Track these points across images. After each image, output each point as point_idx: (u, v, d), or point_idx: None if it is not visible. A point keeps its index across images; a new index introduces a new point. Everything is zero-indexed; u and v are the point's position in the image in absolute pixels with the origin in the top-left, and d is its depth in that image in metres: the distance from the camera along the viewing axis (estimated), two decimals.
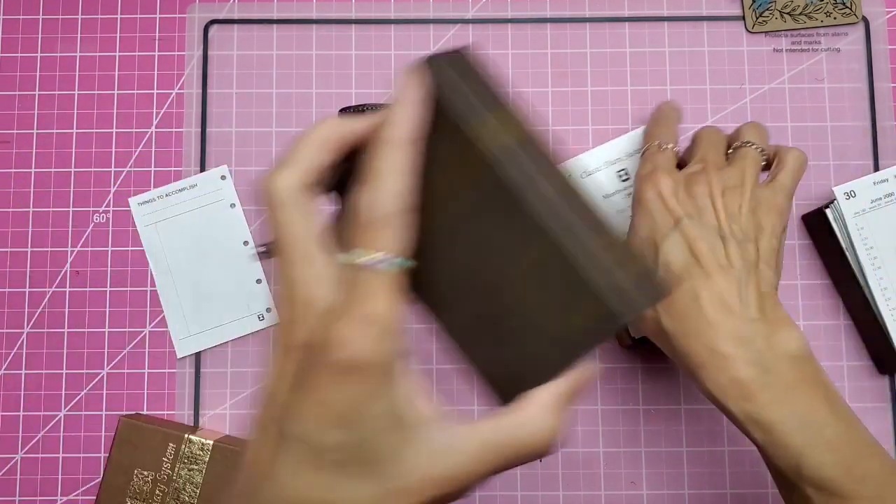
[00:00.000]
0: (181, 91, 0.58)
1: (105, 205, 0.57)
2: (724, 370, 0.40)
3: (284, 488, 0.29)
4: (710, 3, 0.59)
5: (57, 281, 0.56)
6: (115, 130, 0.57)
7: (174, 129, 0.57)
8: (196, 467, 0.51)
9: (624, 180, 0.53)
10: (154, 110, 0.58)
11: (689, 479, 0.55)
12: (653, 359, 0.55)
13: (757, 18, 0.58)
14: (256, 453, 0.30)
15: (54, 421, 0.55)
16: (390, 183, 0.29)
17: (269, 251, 0.32)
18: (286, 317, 0.29)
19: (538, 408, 0.31)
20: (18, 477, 0.54)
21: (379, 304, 0.28)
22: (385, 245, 0.29)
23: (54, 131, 0.57)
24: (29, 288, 0.56)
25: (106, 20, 0.58)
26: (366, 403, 0.28)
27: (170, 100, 0.58)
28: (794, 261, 0.56)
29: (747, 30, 0.58)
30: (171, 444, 0.51)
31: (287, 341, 0.29)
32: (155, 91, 0.58)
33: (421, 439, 0.29)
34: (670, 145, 0.48)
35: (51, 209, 0.56)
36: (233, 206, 0.56)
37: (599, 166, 0.53)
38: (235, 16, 0.58)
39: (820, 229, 0.54)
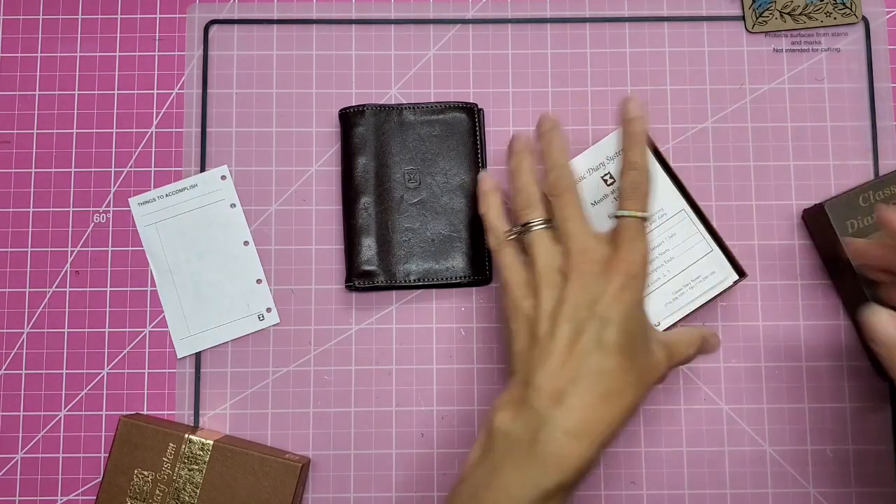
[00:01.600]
0: (181, 91, 0.58)
1: (105, 205, 0.57)
2: None
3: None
4: (710, 3, 0.59)
5: (57, 281, 0.56)
6: (115, 130, 0.57)
7: (174, 129, 0.57)
8: (196, 467, 0.51)
9: (609, 184, 0.53)
10: (154, 110, 0.58)
11: (689, 479, 0.55)
12: None
13: (757, 18, 0.58)
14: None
15: (54, 421, 0.55)
16: None
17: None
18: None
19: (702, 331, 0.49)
20: (18, 477, 0.54)
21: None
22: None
23: (54, 131, 0.57)
24: (29, 288, 0.56)
25: (106, 20, 0.58)
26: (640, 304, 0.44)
27: (170, 100, 0.58)
28: (795, 261, 0.56)
29: (747, 30, 0.58)
30: (171, 444, 0.51)
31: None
32: (155, 91, 0.58)
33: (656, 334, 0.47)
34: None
35: (51, 209, 0.56)
36: (233, 206, 0.56)
37: (583, 174, 0.53)
38: (235, 16, 0.58)
39: (820, 229, 0.54)
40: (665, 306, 0.52)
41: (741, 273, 0.52)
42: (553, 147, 0.48)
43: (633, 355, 0.43)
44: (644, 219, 0.45)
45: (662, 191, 0.53)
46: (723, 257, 0.52)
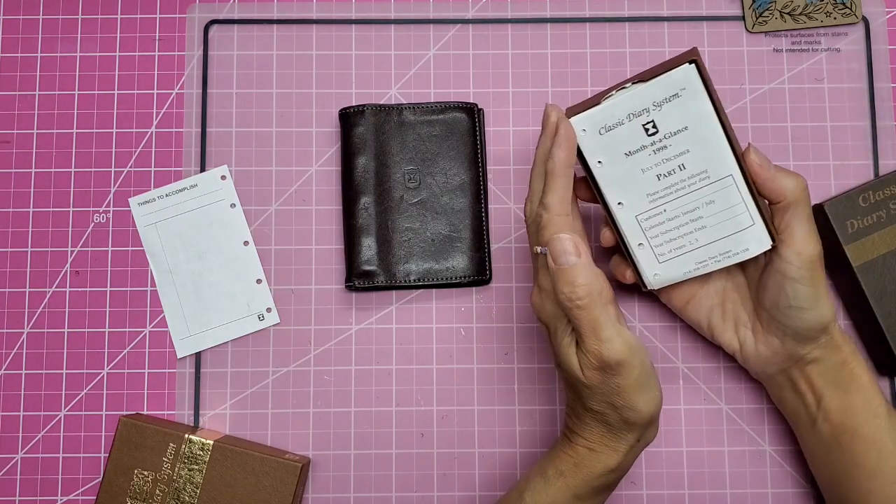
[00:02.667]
0: (181, 91, 0.58)
1: (105, 205, 0.57)
2: None
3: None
4: (710, 3, 0.59)
5: (57, 281, 0.56)
6: (115, 130, 0.57)
7: (174, 129, 0.57)
8: (196, 467, 0.51)
9: (651, 134, 0.45)
10: (154, 110, 0.58)
11: (688, 479, 0.55)
12: (652, 359, 0.55)
13: (757, 18, 0.58)
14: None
15: (54, 421, 0.55)
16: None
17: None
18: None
19: None
20: (18, 477, 0.54)
21: None
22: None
23: (54, 131, 0.57)
24: (29, 288, 0.56)
25: (106, 20, 0.58)
26: None
27: (170, 100, 0.58)
28: None
29: (747, 30, 0.58)
30: (171, 444, 0.51)
31: None
32: (155, 91, 0.58)
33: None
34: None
35: (51, 209, 0.56)
36: (233, 206, 0.56)
37: (622, 119, 0.44)
38: (235, 16, 0.58)
39: (819, 229, 0.54)
40: (682, 273, 0.47)
41: (774, 239, 0.46)
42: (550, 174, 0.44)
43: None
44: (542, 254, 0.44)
45: (710, 146, 0.44)
46: (764, 231, 0.45)
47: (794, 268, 0.44)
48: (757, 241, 0.45)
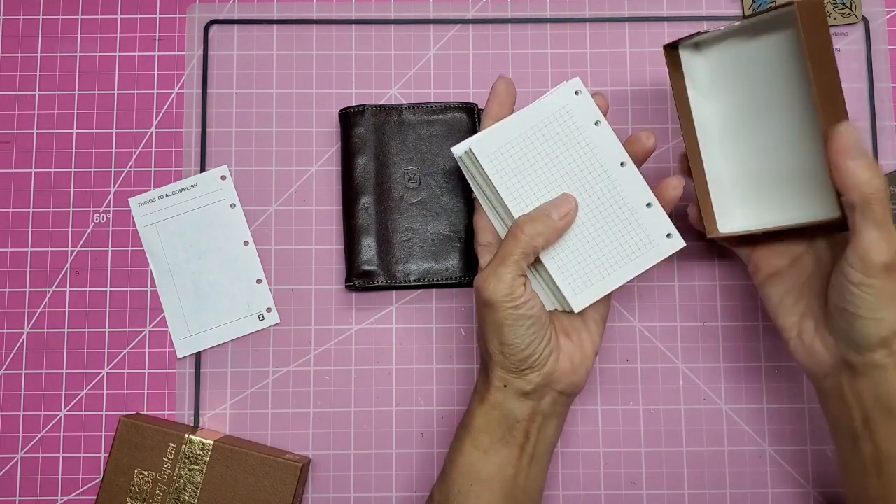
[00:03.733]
0: (181, 91, 0.58)
1: (105, 205, 0.57)
2: None
3: None
4: (710, 3, 0.59)
5: (57, 281, 0.56)
6: (115, 130, 0.57)
7: (174, 129, 0.57)
8: (196, 467, 0.51)
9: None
10: (154, 110, 0.58)
11: (688, 479, 0.55)
12: (652, 359, 0.55)
13: None
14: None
15: (54, 421, 0.55)
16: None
17: None
18: None
19: None
20: (18, 477, 0.54)
21: None
22: None
23: (54, 131, 0.57)
24: (29, 288, 0.56)
25: (106, 20, 0.58)
26: None
27: (170, 100, 0.58)
28: None
29: None
30: (171, 444, 0.51)
31: None
32: (155, 91, 0.58)
33: None
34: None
35: (51, 209, 0.56)
36: (233, 206, 0.56)
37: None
38: (235, 16, 0.58)
39: None
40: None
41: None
42: None
43: None
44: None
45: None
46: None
47: (855, 272, 0.41)
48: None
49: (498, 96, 0.49)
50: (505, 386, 0.47)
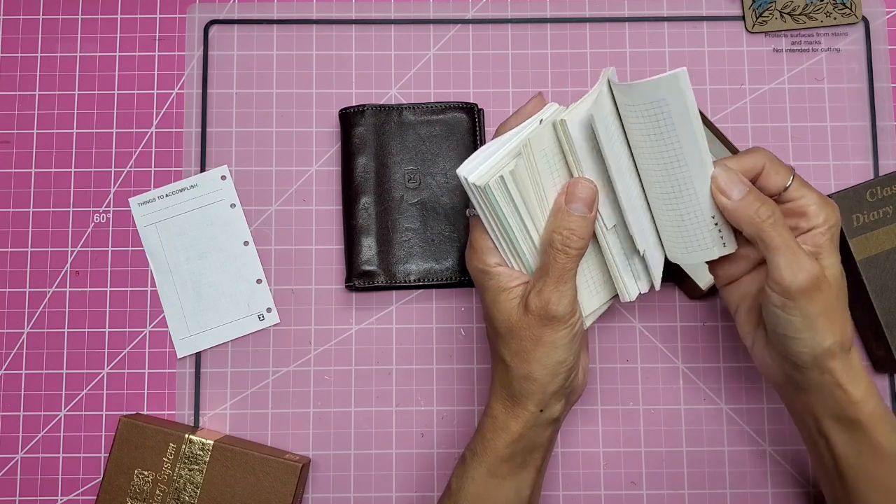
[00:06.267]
0: (181, 91, 0.58)
1: (105, 205, 0.57)
2: None
3: None
4: (710, 3, 0.59)
5: (57, 281, 0.56)
6: (115, 130, 0.57)
7: (174, 129, 0.57)
8: (196, 467, 0.51)
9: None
10: (154, 110, 0.58)
11: (688, 479, 0.55)
12: (652, 359, 0.55)
13: (757, 18, 0.58)
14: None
15: (54, 421, 0.55)
16: None
17: None
18: None
19: None
20: (18, 477, 0.54)
21: None
22: None
23: (54, 131, 0.57)
24: (29, 288, 0.56)
25: (106, 20, 0.58)
26: None
27: (170, 100, 0.58)
28: None
29: (747, 30, 0.58)
30: (171, 444, 0.51)
31: None
32: (155, 91, 0.58)
33: None
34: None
35: (51, 209, 0.56)
36: (233, 206, 0.56)
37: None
38: (235, 16, 0.58)
39: None
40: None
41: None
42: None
43: None
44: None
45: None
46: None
47: (776, 295, 0.41)
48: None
49: (520, 117, 0.45)
50: (541, 411, 0.44)
